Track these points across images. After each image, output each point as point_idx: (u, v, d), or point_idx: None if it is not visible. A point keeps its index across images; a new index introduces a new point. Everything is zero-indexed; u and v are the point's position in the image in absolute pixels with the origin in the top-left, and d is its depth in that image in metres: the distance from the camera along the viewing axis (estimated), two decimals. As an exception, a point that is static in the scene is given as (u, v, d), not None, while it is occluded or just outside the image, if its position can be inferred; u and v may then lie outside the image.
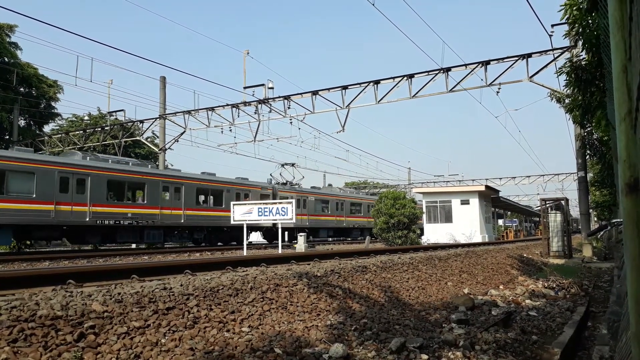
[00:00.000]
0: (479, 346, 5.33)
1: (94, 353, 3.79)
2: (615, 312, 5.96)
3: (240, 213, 18.05)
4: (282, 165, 32.66)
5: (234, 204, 18.77)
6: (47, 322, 3.89)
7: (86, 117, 39.78)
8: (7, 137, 33.33)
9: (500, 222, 52.25)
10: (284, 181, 32.52)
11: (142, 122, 30.62)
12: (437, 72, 21.60)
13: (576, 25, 8.29)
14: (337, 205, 36.30)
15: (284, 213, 17.04)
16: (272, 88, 25.28)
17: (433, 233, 28.72)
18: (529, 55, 20.04)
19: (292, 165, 33.20)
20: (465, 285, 11.07)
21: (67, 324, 3.96)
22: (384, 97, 22.81)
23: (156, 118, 30.09)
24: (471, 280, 11.77)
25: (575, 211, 52.55)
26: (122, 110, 30.72)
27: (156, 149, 32.65)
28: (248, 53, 27.32)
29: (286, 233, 30.07)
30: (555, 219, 22.07)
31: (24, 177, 17.83)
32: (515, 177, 55.82)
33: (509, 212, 58.21)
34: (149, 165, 24.68)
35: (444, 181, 59.76)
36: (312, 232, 33.21)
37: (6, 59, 32.30)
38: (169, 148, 30.72)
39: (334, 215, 35.73)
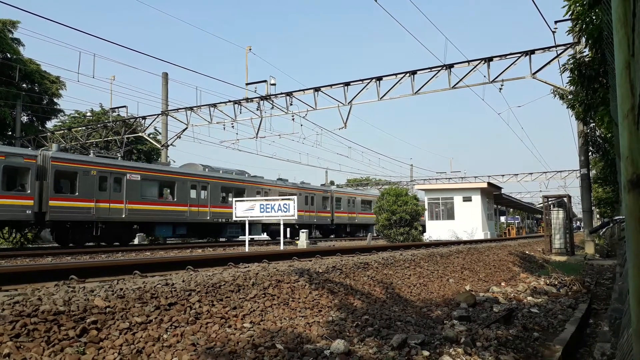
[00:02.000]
0: (480, 343, 5.33)
1: (96, 348, 3.81)
2: (617, 309, 5.96)
3: (242, 209, 18.08)
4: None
5: (235, 201, 18.76)
6: (50, 317, 3.90)
7: (88, 114, 39.80)
8: (10, 133, 33.41)
9: (503, 219, 52.20)
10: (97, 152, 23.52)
11: (144, 118, 30.63)
12: (439, 68, 21.53)
13: (579, 21, 8.24)
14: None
15: (286, 209, 17.05)
16: (274, 84, 25.23)
17: (435, 230, 28.73)
18: (532, 51, 19.95)
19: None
20: (467, 282, 11.07)
21: (69, 319, 3.98)
22: (387, 93, 22.74)
23: (158, 114, 30.11)
24: (473, 277, 11.77)
25: (577, 208, 52.50)
26: (124, 106, 30.74)
27: (158, 145, 32.68)
28: (250, 49, 27.27)
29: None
30: (557, 216, 22.05)
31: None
32: (517, 174, 55.69)
33: (511, 209, 58.16)
34: None
35: (446, 178, 59.71)
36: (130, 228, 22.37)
37: (9, 55, 32.34)
38: (171, 144, 30.76)
39: (168, 203, 23.88)
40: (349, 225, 39.57)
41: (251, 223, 27.58)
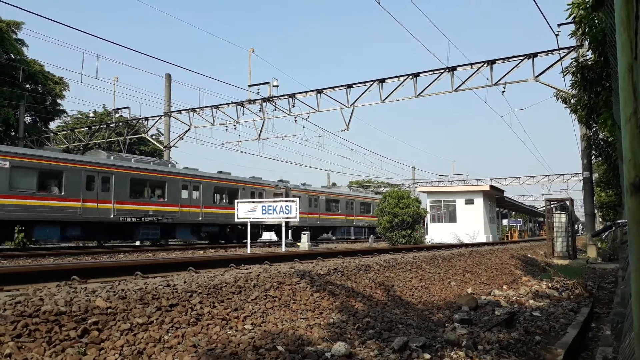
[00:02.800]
0: (482, 346, 5.32)
1: (97, 349, 3.81)
2: (619, 313, 5.93)
3: (244, 211, 18.08)
4: None
5: (237, 202, 18.78)
6: (51, 317, 3.91)
7: (91, 114, 39.91)
8: (14, 133, 33.51)
9: (505, 222, 52.08)
10: None
11: (147, 119, 30.71)
12: (442, 71, 21.54)
13: (582, 24, 8.24)
14: None
15: (288, 211, 17.05)
16: (276, 86, 25.30)
17: (437, 233, 28.68)
18: (535, 54, 19.95)
19: None
20: (469, 285, 11.05)
21: (70, 319, 3.98)
22: (389, 96, 22.77)
23: (161, 115, 30.18)
24: (475, 280, 11.75)
25: (580, 212, 52.32)
26: (127, 107, 30.84)
27: (161, 146, 32.74)
28: (253, 51, 27.35)
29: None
30: (559, 219, 21.99)
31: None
32: (520, 177, 55.64)
33: (513, 212, 58.03)
34: None
35: (448, 180, 59.64)
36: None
37: (12, 56, 32.48)
38: (173, 145, 30.82)
39: (52, 198, 19.56)
40: (310, 227, 33.81)
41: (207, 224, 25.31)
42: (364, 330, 5.69)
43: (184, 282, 5.52)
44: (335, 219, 37.63)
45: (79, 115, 40.47)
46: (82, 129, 33.92)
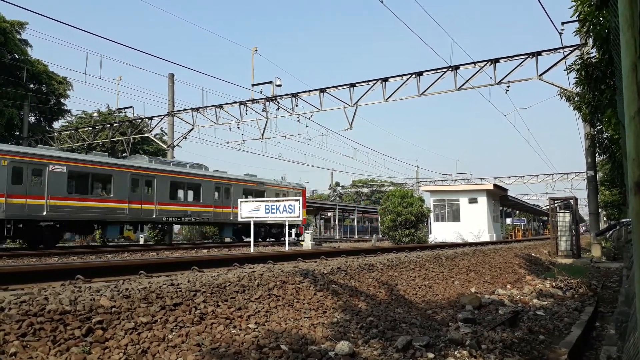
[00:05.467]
0: (486, 345, 5.31)
1: (101, 348, 3.82)
2: (624, 312, 5.91)
3: (248, 210, 18.09)
4: None
5: (241, 201, 18.80)
6: (56, 316, 3.92)
7: (95, 114, 40.00)
8: (18, 133, 33.65)
9: (508, 221, 51.94)
10: None
11: (150, 119, 30.78)
12: (445, 69, 21.49)
13: (587, 22, 8.20)
14: None
15: (291, 210, 17.04)
16: (280, 86, 25.30)
17: (440, 232, 28.64)
18: (539, 53, 19.89)
19: None
20: (473, 284, 11.03)
21: (75, 318, 4.00)
22: (392, 94, 22.73)
23: (165, 115, 30.23)
24: (478, 279, 11.73)
25: (584, 210, 52.14)
26: (130, 107, 30.91)
27: (164, 146, 32.80)
28: (256, 50, 27.36)
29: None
30: (563, 218, 21.92)
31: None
32: (523, 176, 55.39)
33: (517, 211, 57.90)
34: None
35: (452, 179, 59.48)
36: None
37: (17, 56, 32.60)
38: (177, 145, 30.87)
39: None
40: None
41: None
42: (367, 329, 5.69)
43: (188, 282, 5.53)
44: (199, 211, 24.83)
45: (83, 115, 40.57)
46: (86, 129, 34.00)
